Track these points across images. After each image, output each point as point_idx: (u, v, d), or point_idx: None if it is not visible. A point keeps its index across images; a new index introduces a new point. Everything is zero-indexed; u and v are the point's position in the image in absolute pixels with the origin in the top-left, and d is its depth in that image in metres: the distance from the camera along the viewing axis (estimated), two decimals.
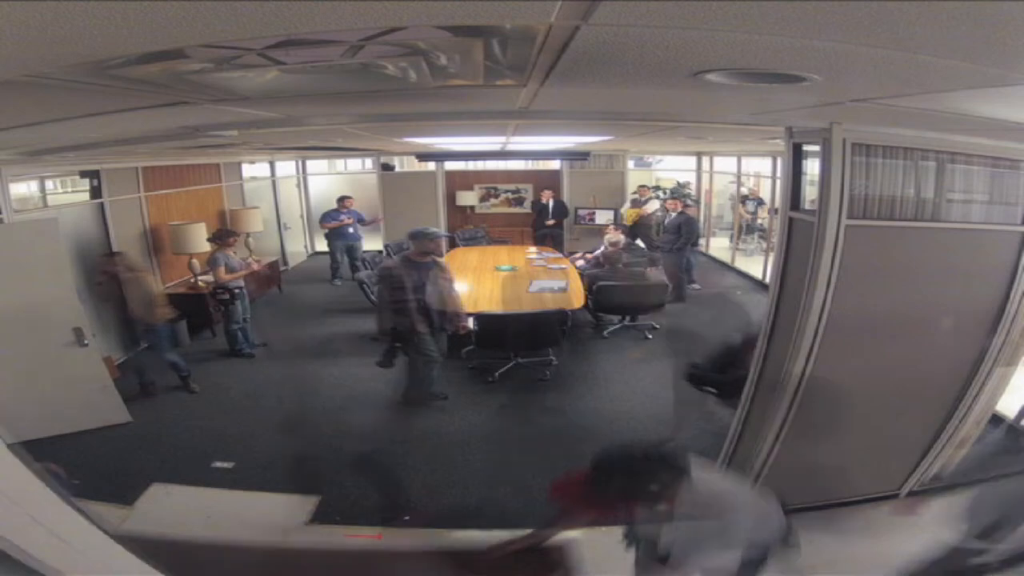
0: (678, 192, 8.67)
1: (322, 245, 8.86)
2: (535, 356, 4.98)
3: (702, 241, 10.07)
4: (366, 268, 6.98)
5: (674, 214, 7.17)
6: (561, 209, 9.13)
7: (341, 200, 7.93)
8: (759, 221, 9.21)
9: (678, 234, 6.90)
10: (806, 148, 2.63)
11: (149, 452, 3.75)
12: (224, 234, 5.43)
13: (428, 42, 1.07)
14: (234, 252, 5.46)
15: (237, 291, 5.32)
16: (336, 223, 7.83)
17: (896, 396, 2.78)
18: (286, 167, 9.32)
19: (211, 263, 5.34)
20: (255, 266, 5.79)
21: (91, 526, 1.26)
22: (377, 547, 2.73)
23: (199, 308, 5.98)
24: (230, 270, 5.26)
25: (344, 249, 7.86)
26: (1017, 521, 1.97)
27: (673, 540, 1.71)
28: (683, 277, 7.00)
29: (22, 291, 3.73)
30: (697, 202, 9.80)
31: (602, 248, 6.48)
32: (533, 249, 7.65)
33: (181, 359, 4.76)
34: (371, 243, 9.35)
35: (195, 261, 6.25)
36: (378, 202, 9.67)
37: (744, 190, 9.43)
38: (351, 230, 7.89)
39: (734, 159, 9.16)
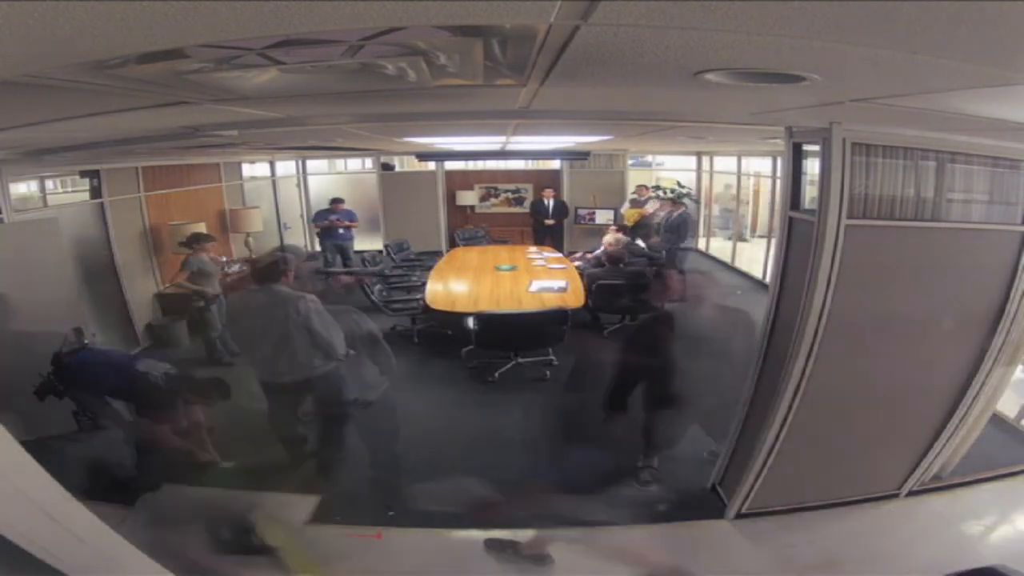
0: (674, 194, 8.65)
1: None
2: (535, 356, 4.97)
3: (702, 241, 10.09)
4: (365, 266, 7.01)
5: (666, 212, 7.32)
6: (561, 209, 9.14)
7: (333, 201, 8.06)
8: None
9: (677, 232, 6.95)
10: (806, 148, 2.63)
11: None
12: (196, 239, 5.22)
13: (428, 42, 1.07)
14: (209, 257, 5.23)
15: (212, 297, 5.07)
16: (327, 223, 7.97)
17: (896, 396, 2.78)
18: (286, 167, 9.31)
19: (182, 267, 5.17)
20: (229, 273, 5.30)
21: (103, 525, 1.27)
22: None
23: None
24: (204, 275, 5.05)
25: (334, 248, 7.93)
26: None
27: None
28: (685, 276, 7.02)
29: (22, 291, 3.72)
30: (697, 202, 9.78)
31: (602, 248, 6.48)
32: (533, 249, 7.65)
33: None
34: (372, 243, 9.36)
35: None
36: (378, 202, 9.68)
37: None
38: (342, 231, 8.01)
39: (734, 159, 9.15)
